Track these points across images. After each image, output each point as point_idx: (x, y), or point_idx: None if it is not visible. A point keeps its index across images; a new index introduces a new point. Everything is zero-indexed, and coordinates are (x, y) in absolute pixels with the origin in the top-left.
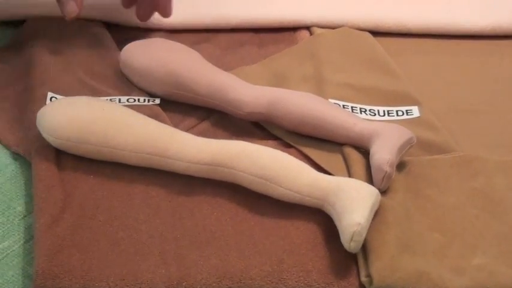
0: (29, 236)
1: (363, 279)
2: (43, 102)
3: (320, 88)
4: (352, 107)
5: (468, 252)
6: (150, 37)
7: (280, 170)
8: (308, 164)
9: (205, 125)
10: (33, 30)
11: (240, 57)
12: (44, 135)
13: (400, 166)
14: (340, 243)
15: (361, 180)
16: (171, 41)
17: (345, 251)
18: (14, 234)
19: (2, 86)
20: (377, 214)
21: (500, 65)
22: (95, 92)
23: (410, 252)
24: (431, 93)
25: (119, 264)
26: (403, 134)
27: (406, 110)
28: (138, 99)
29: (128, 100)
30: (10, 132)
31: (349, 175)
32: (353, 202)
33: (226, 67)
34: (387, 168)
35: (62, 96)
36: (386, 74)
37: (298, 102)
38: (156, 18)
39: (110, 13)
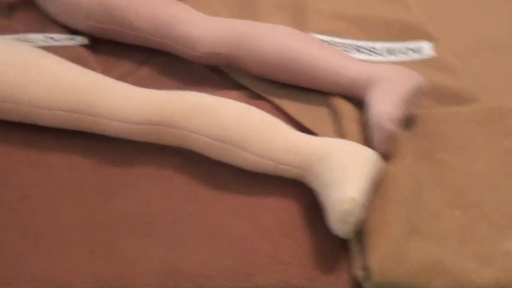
0: None
1: (358, 273)
2: None
3: (300, 19)
4: (343, 44)
5: (498, 234)
6: None
7: (248, 130)
8: (284, 122)
9: (145, 71)
10: None
11: None
12: None
13: (408, 122)
14: (326, 225)
15: (356, 141)
16: None
17: (333, 236)
18: None
19: None
20: (377, 187)
21: None
22: None
23: (422, 236)
24: (450, 26)
25: (30, 260)
26: (411, 80)
27: (415, 48)
28: (58, 38)
29: (43, 39)
30: None
31: (340, 135)
32: (344, 171)
33: None
34: (390, 125)
35: None
36: (390, 0)
37: (271, 39)
38: None
39: None
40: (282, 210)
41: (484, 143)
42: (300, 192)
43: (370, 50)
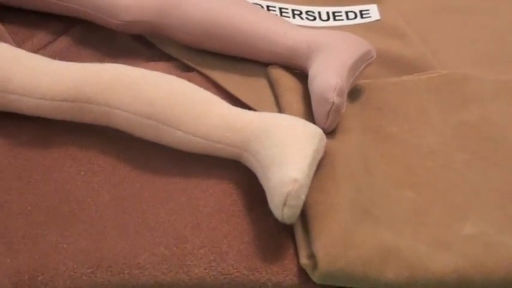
0: None
1: (304, 261)
2: None
3: None
4: (280, 9)
5: (455, 216)
6: None
7: (177, 105)
8: (218, 96)
9: (62, 42)
10: None
11: None
12: None
13: (354, 93)
14: (269, 210)
15: (297, 116)
16: None
17: (276, 221)
18: None
19: None
20: (321, 166)
21: None
22: None
23: (372, 220)
24: None
25: None
26: (356, 46)
27: (361, 11)
28: None
29: None
30: None
31: (279, 109)
32: (285, 149)
33: None
34: (334, 98)
35: None
36: None
37: (199, 4)
38: None
39: None
40: (219, 194)
41: (436, 115)
42: (239, 174)
43: (309, 15)
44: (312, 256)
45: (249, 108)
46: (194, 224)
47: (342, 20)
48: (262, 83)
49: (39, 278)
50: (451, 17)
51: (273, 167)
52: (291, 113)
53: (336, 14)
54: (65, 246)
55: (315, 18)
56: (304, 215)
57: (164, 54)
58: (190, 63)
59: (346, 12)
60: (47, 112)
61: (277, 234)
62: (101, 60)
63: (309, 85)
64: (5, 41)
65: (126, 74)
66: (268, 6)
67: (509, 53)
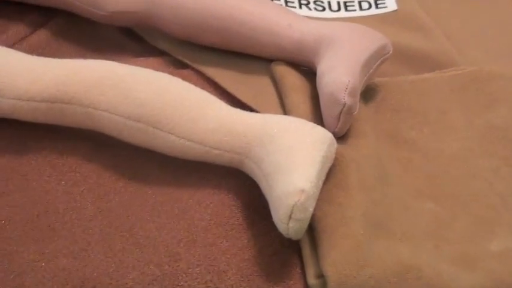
0: None
1: (311, 281)
2: None
3: None
4: None
5: (482, 231)
6: None
7: (170, 106)
8: (215, 96)
9: (41, 35)
10: None
11: None
12: None
13: (368, 93)
14: (272, 224)
15: (304, 118)
16: None
17: (281, 237)
18: None
19: None
20: (332, 174)
21: None
22: None
23: (389, 235)
24: None
25: None
26: (370, 40)
27: (375, 1)
28: None
29: None
30: None
31: (284, 111)
32: (291, 155)
33: None
34: (346, 98)
35: None
36: None
37: None
38: None
39: None
40: (217, 206)
41: (461, 117)
42: (239, 184)
43: (318, 4)
44: (320, 276)
45: (250, 109)
46: (189, 239)
47: (355, 10)
48: (265, 81)
49: None
50: (477, 5)
51: (277, 175)
52: (297, 115)
53: (347, 3)
54: (43, 264)
55: (324, 9)
56: (312, 230)
57: (155, 49)
58: (184, 59)
59: (359, 2)
60: (23, 114)
61: (281, 251)
62: (85, 56)
63: (317, 84)
64: None
65: (112, 71)
66: None
67: None
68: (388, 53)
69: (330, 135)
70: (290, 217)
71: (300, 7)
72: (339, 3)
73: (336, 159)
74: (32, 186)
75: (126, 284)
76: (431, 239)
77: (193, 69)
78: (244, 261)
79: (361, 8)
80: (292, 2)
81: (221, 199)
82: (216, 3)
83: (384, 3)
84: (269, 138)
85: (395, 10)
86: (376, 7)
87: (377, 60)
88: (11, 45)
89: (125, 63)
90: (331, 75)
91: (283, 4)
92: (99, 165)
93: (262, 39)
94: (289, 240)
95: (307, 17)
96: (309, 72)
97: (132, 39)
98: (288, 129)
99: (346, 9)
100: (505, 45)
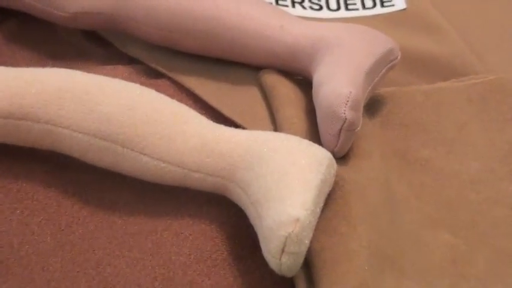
0: None
1: None
2: None
3: None
4: None
5: (507, 267)
6: None
7: (142, 122)
8: (195, 110)
9: None
10: None
11: None
12: None
13: (373, 106)
14: (262, 258)
15: (298, 135)
16: None
17: (272, 274)
18: None
19: None
20: (331, 200)
21: None
22: None
23: (397, 271)
24: None
25: None
26: (375, 44)
27: None
28: None
29: None
30: None
31: (275, 127)
32: (284, 180)
33: None
34: (347, 112)
35: None
36: None
37: None
38: None
39: None
40: (197, 238)
41: (481, 133)
42: (223, 212)
43: (314, 3)
44: None
45: (236, 126)
46: (165, 277)
47: (357, 9)
48: (253, 92)
49: None
50: (497, 4)
51: (267, 202)
52: (290, 132)
53: (348, 1)
54: None
55: (321, 8)
56: (308, 265)
57: (124, 56)
58: (158, 68)
59: (363, 0)
60: None
61: None
62: (42, 64)
63: (313, 96)
64: None
65: (74, 81)
66: None
67: None
68: (396, 58)
69: (328, 155)
70: (283, 251)
71: (293, 6)
72: (338, 1)
73: (335, 183)
74: None
75: None
76: (446, 276)
77: (169, 79)
78: None
79: (364, 7)
80: (284, 0)
81: (202, 230)
82: (197, 2)
83: (390, 1)
84: (258, 159)
85: (404, 9)
86: (382, 5)
87: (383, 67)
88: None
89: (89, 72)
90: (329, 86)
91: (273, 2)
92: (60, 191)
93: (250, 43)
94: (282, 278)
95: (302, 17)
96: (304, 82)
97: (97, 45)
98: (280, 148)
99: (346, 8)
100: None
